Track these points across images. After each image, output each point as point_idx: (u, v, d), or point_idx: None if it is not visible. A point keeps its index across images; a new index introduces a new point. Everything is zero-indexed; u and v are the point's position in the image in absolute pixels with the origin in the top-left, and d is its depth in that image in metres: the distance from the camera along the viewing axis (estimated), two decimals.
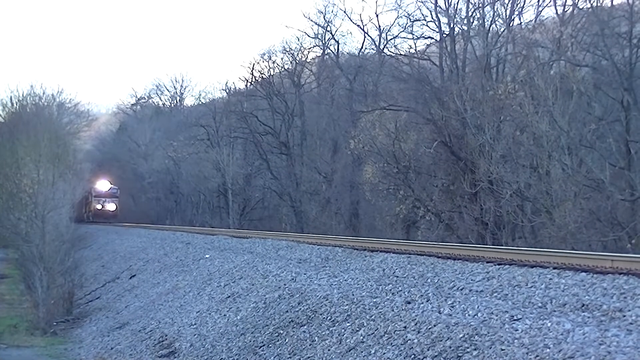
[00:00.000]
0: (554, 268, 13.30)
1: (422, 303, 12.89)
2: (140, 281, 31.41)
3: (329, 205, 49.05)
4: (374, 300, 13.99)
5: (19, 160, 37.07)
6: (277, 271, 20.63)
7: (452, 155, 33.36)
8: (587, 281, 11.91)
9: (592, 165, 26.89)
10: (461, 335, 10.64)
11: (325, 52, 61.86)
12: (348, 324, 13.41)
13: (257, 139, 61.06)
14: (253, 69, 64.78)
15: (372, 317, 13.08)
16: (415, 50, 49.87)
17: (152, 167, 79.98)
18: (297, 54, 62.27)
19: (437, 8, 43.72)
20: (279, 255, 23.94)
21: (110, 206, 79.38)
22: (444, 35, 43.55)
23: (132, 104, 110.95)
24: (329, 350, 12.88)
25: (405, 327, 11.98)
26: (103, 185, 79.99)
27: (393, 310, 12.96)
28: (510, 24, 38.65)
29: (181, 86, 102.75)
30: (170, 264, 31.43)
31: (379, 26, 56.86)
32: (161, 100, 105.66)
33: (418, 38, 50.01)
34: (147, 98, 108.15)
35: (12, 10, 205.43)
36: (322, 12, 59.57)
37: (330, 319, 14.15)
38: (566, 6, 35.91)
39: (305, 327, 14.55)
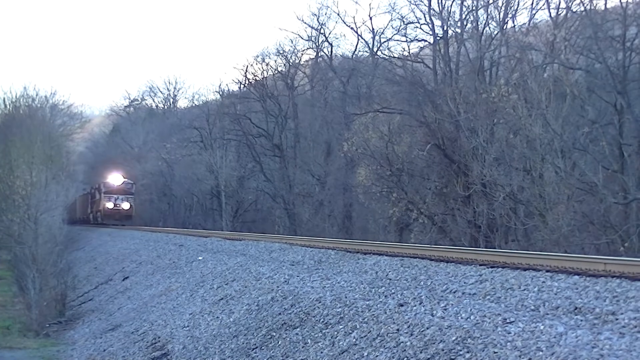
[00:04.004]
0: (547, 271, 13.30)
1: (415, 306, 12.87)
2: (133, 283, 31.35)
3: (322, 207, 49.05)
4: (367, 302, 13.98)
5: (12, 161, 37.04)
6: (270, 273, 20.60)
7: (445, 158, 33.38)
8: (580, 284, 11.91)
9: (585, 168, 26.94)
10: (454, 338, 10.63)
11: (319, 55, 61.97)
12: (341, 327, 13.39)
13: (251, 141, 61.10)
14: (246, 71, 64.96)
15: (365, 320, 13.07)
16: (409, 52, 50.04)
17: (145, 169, 79.17)
18: (291, 56, 62.42)
19: (431, 11, 43.86)
20: (272, 258, 23.91)
21: (125, 205, 68.29)
22: (438, 38, 43.66)
23: (126, 106, 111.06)
24: (321, 352, 12.86)
25: (398, 329, 11.97)
26: (115, 179, 69.81)
27: (386, 312, 12.95)
28: (504, 27, 38.72)
29: (174, 88, 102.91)
30: (163, 266, 31.37)
31: (373, 29, 57.12)
32: (154, 102, 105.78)
33: (411, 41, 50.23)
34: (140, 100, 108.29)
35: (5, 12, 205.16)
36: (315, 15, 59.67)
37: (323, 322, 14.13)
38: (560, 9, 36.09)
39: (298, 329, 14.53)
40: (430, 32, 45.19)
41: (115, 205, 67.99)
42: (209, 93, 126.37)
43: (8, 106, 63.61)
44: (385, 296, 14.19)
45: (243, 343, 15.67)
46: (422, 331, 11.43)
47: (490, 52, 37.61)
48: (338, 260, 20.06)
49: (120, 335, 22.65)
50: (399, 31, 51.58)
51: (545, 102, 27.53)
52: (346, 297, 14.87)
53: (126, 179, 70.98)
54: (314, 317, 14.66)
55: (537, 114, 27.69)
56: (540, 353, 9.10)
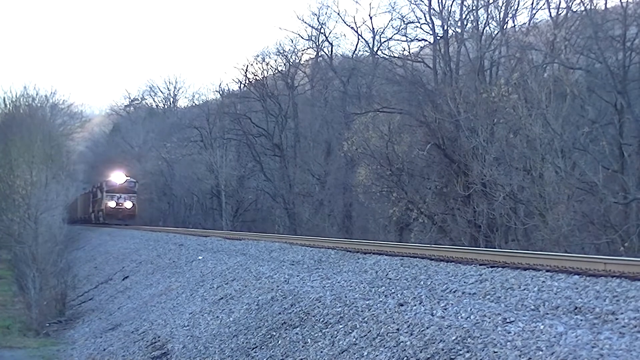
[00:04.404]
0: (547, 271, 13.29)
1: (415, 305, 12.86)
2: (133, 282, 31.33)
3: (322, 207, 49.04)
4: (367, 302, 13.97)
5: (12, 161, 37.07)
6: (270, 273, 20.59)
7: (445, 157, 33.35)
8: (580, 284, 11.90)
9: (585, 168, 26.91)
10: (454, 338, 10.62)
11: (319, 54, 61.99)
12: (341, 326, 13.38)
13: (251, 141, 61.08)
14: (247, 70, 64.95)
15: (365, 320, 13.06)
16: (409, 52, 50.03)
17: (146, 168, 79.01)
18: (291, 55, 62.41)
19: (431, 10, 43.81)
20: (272, 257, 23.89)
21: (127, 204, 66.43)
22: (438, 38, 43.60)
23: (126, 106, 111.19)
24: (321, 352, 12.85)
25: (398, 329, 11.96)
26: (118, 177, 67.92)
27: (386, 312, 12.94)
28: (504, 27, 38.68)
29: (175, 87, 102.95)
30: (163, 266, 31.36)
31: (373, 28, 57.13)
32: (154, 102, 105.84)
33: (412, 40, 50.23)
34: (140, 99, 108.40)
35: (6, 12, 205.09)
36: (315, 14, 59.70)
37: (322, 321, 14.12)
38: (560, 9, 36.04)
39: (297, 329, 14.52)
40: (431, 32, 45.20)
41: (117, 204, 66.18)
42: (209, 92, 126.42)
43: (8, 105, 63.60)
44: (385, 296, 14.18)
45: (243, 342, 15.67)
46: (422, 331, 11.42)
47: (490, 52, 37.57)
48: (338, 260, 20.05)
49: (120, 335, 22.64)
50: (399, 31, 51.65)
51: (546, 102, 27.52)
52: (346, 297, 14.86)
53: (129, 177, 69.24)
54: (313, 316, 14.65)
55: (537, 114, 27.67)
56: (540, 353, 9.10)
